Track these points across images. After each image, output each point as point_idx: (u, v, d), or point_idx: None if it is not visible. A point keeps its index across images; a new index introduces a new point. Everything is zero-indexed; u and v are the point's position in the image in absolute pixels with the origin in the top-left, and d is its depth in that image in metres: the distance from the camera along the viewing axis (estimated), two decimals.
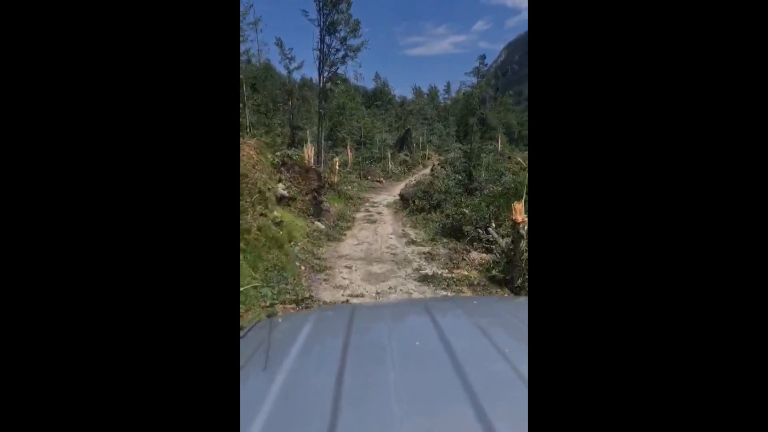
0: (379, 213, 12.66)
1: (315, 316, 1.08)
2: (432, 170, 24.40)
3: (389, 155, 27.50)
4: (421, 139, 33.45)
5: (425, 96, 42.98)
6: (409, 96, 43.85)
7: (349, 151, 25.52)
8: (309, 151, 14.33)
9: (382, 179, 21.86)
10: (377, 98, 36.94)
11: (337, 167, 15.87)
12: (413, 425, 0.56)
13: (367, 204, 14.39)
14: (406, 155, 29.99)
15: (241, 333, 1.00)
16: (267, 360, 0.78)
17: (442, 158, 29.55)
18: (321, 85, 16.36)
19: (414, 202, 12.51)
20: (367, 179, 21.63)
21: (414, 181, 15.95)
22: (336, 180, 15.48)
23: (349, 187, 15.92)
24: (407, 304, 1.77)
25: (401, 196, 14.27)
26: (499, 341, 0.79)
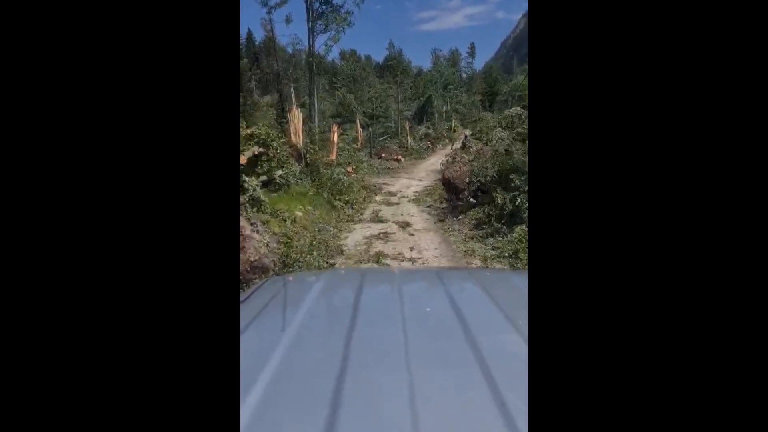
0: (405, 223, 6.35)
1: (326, 276, 1.13)
2: (463, 145, 19.67)
3: (407, 129, 22.57)
4: (444, 108, 28.25)
5: (445, 62, 37.33)
6: (426, 67, 38.86)
7: (358, 125, 21.01)
8: (295, 121, 9.58)
9: (400, 157, 16.89)
10: (391, 69, 31.75)
11: (336, 139, 11.09)
12: (422, 389, 0.55)
13: (378, 198, 9.19)
14: (427, 128, 24.97)
15: (251, 289, 1.02)
16: (277, 317, 0.81)
17: (468, 131, 24.75)
18: (309, 41, 11.55)
19: (474, 195, 6.44)
20: (381, 158, 16.67)
21: (447, 159, 10.76)
22: (333, 158, 10.75)
23: (351, 169, 11.10)
24: (419, 272, 1.77)
25: (445, 181, 8.60)
26: (511, 312, 0.78)
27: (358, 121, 21.23)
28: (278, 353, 0.63)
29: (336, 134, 11.31)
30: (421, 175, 12.81)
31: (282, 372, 0.59)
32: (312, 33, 11.64)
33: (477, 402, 0.53)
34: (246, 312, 0.84)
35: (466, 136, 21.77)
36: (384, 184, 10.97)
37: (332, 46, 11.47)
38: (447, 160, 10.46)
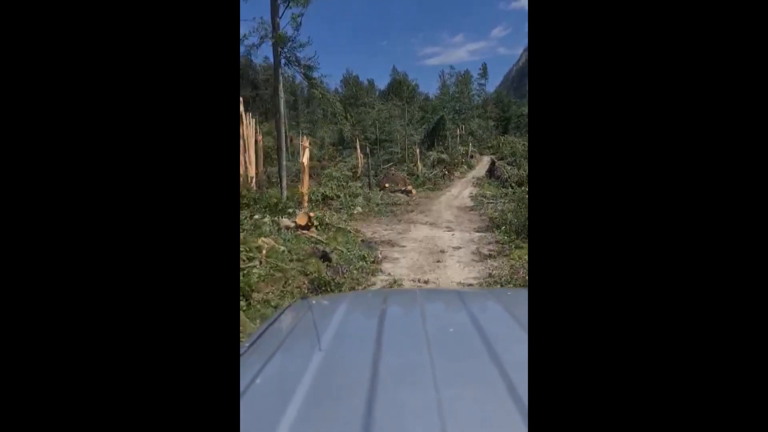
0: None
1: (349, 299, 1.09)
2: (491, 172, 15.90)
3: (417, 154, 18.62)
4: (458, 132, 24.43)
5: (457, 82, 33.88)
6: (433, 93, 35.66)
7: (358, 150, 17.19)
8: (249, 154, 5.72)
9: (410, 187, 12.62)
10: (396, 91, 28.40)
11: (305, 161, 6.91)
12: (450, 407, 0.55)
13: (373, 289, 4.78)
14: (440, 153, 21.05)
15: (276, 313, 1.03)
16: (304, 340, 0.80)
17: (493, 156, 20.87)
18: (275, 58, 7.77)
19: None
20: (384, 189, 12.42)
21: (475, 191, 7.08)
22: (303, 192, 6.56)
23: (321, 213, 6.73)
24: (440, 292, 1.71)
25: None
26: None
27: (357, 146, 17.63)
28: (309, 375, 0.63)
29: (306, 154, 7.14)
30: (447, 216, 8.34)
31: (314, 394, 0.59)
32: (275, 8, 7.75)
33: (504, 418, 0.54)
34: (274, 335, 0.86)
35: (494, 162, 17.98)
36: (386, 243, 5.86)
37: (301, 18, 7.50)
38: (473, 197, 6.61)
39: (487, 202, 9.78)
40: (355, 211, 8.45)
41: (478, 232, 6.66)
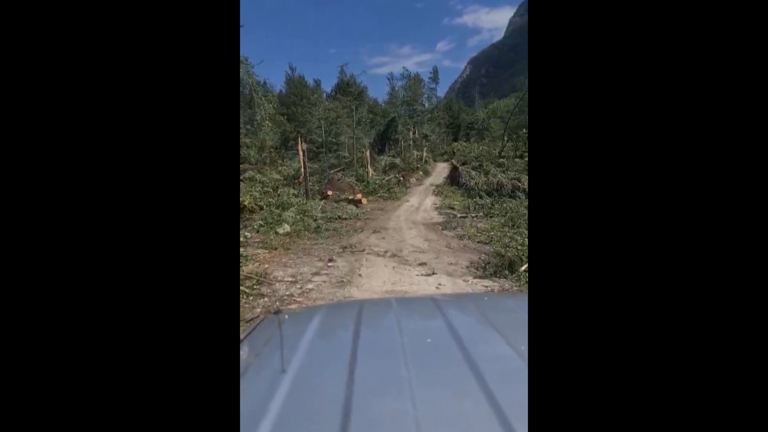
0: None
1: (323, 312, 1.04)
2: (452, 179, 13.95)
3: (368, 157, 16.33)
4: (412, 136, 22.52)
5: (407, 85, 32.15)
6: (383, 99, 33.86)
7: (300, 153, 14.52)
8: None
9: (360, 196, 10.22)
10: (343, 91, 26.10)
11: None
12: (427, 420, 0.54)
13: None
14: (393, 157, 19.00)
15: (248, 329, 0.97)
16: (276, 357, 0.75)
17: (458, 162, 19.23)
18: None
19: None
20: (326, 197, 9.96)
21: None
22: None
23: None
24: (417, 300, 1.58)
25: None
26: (511, 338, 0.76)
27: (300, 147, 15.01)
28: (281, 394, 0.61)
29: None
30: (412, 239, 5.81)
31: (284, 415, 0.57)
32: None
33: (483, 428, 0.53)
34: (244, 353, 0.82)
35: (455, 167, 16.14)
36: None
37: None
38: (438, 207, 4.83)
39: (461, 217, 7.62)
40: (281, 231, 5.88)
41: (477, 275, 4.01)
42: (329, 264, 4.46)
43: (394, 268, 4.31)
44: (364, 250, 5.07)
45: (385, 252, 5.01)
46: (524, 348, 0.69)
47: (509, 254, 4.30)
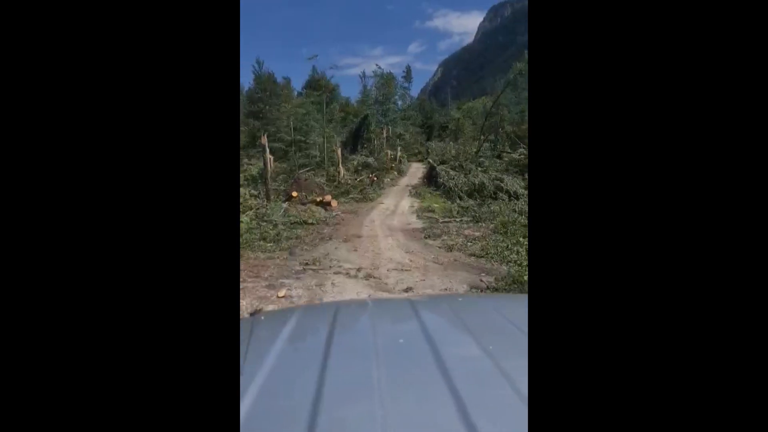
0: None
1: (298, 314, 1.04)
2: (430, 178, 13.17)
3: (339, 156, 15.28)
4: (385, 135, 21.65)
5: (379, 83, 31.23)
6: (354, 97, 32.87)
7: (266, 151, 13.22)
8: None
9: (329, 198, 9.16)
10: (314, 87, 24.93)
11: None
12: (394, 423, 0.55)
13: None
14: (366, 155, 18.06)
15: None
16: (249, 358, 0.75)
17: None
18: None
19: None
20: (290, 199, 8.85)
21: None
22: None
23: None
24: (392, 302, 1.62)
25: None
26: (482, 338, 0.78)
27: (266, 146, 13.73)
28: (250, 396, 0.60)
29: None
30: (390, 250, 4.74)
31: (255, 414, 0.57)
32: None
33: (446, 427, 0.54)
34: None
35: (432, 167, 15.31)
36: None
37: None
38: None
39: (443, 222, 6.72)
40: None
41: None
42: (279, 296, 3.39)
43: (369, 297, 3.30)
44: (330, 268, 4.07)
45: (358, 270, 4.03)
46: (492, 348, 0.71)
47: (513, 271, 3.41)
